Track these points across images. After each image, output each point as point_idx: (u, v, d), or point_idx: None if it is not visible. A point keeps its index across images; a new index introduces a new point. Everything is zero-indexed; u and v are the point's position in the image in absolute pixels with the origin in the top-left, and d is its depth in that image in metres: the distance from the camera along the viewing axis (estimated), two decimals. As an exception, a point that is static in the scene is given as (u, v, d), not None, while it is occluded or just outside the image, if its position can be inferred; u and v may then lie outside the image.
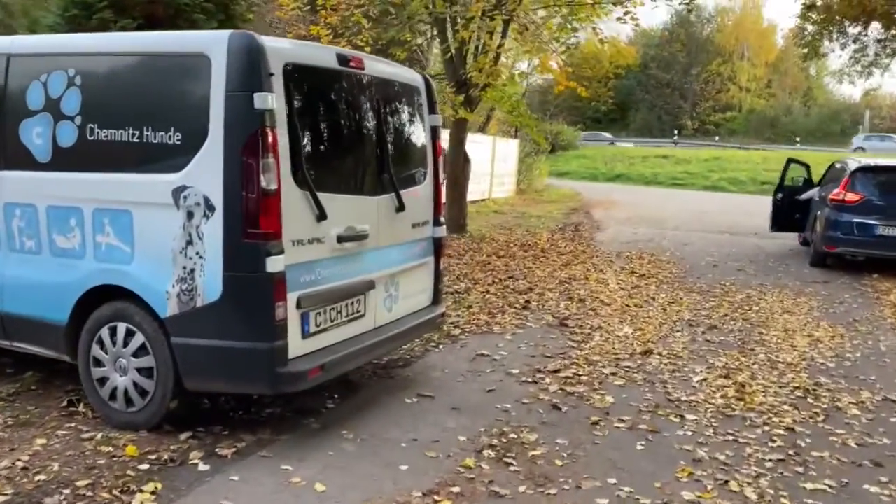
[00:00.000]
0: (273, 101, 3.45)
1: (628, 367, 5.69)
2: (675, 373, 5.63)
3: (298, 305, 3.70)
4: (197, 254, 3.57)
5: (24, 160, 3.97)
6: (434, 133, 5.01)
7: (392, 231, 4.50)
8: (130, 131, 3.70)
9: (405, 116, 4.77)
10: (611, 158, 38.88)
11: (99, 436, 3.74)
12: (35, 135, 3.93)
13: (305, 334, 3.79)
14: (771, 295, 9.05)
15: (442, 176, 5.15)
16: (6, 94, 4.02)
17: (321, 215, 3.79)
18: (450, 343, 6.09)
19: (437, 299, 5.15)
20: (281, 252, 3.53)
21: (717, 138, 48.89)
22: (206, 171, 3.51)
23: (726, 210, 21.86)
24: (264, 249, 3.46)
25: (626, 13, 10.94)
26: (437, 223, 5.08)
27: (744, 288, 9.44)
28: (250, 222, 3.46)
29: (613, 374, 5.49)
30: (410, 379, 5.09)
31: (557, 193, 26.67)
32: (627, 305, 7.94)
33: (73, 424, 3.91)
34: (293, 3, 11.71)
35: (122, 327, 3.81)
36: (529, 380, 5.22)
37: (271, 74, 3.45)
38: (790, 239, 15.01)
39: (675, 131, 48.80)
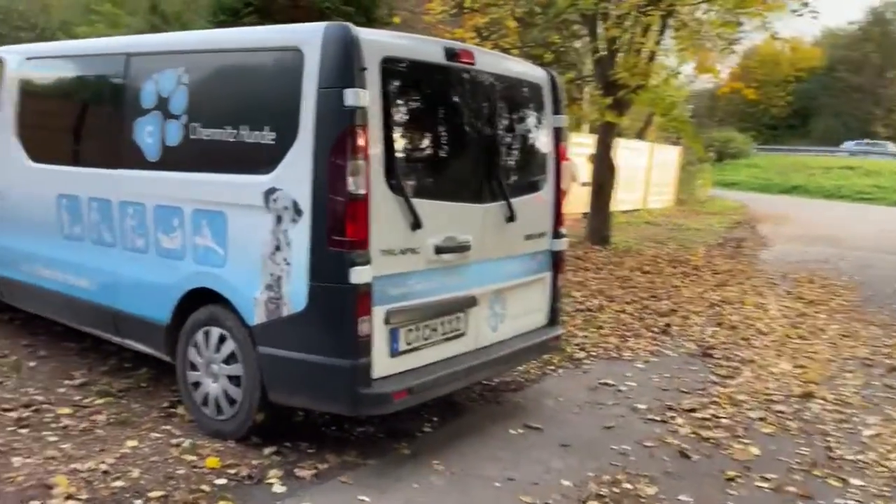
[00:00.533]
0: (365, 97, 3.17)
1: (781, 411, 4.84)
2: (840, 423, 4.71)
3: (387, 321, 3.40)
4: (284, 260, 3.37)
5: (137, 159, 4.00)
6: (558, 136, 4.53)
7: (500, 243, 4.09)
8: (228, 130, 3.59)
9: (522, 117, 4.34)
10: (786, 168, 35.64)
11: (186, 443, 3.66)
12: (147, 133, 3.95)
13: (394, 353, 3.48)
14: (976, 334, 7.55)
15: (567, 182, 4.65)
16: (125, 93, 4.09)
17: (416, 223, 3.47)
18: (571, 367, 5.54)
19: (553, 320, 4.66)
20: (367, 262, 3.24)
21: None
22: (295, 173, 3.31)
23: (924, 230, 19.09)
24: (349, 259, 3.19)
25: (802, 5, 9.70)
26: (556, 235, 4.60)
27: (940, 323, 7.96)
28: (336, 229, 3.21)
29: (762, 419, 4.69)
30: (520, 406, 4.64)
31: (721, 205, 24.79)
32: (788, 336, 6.92)
33: (167, 427, 3.87)
34: (441, 6, 11.62)
35: (215, 332, 3.72)
36: (657, 418, 4.57)
37: (364, 69, 3.18)
38: None
39: (865, 141, 43.76)
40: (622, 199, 20.85)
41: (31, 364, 4.73)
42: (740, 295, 8.75)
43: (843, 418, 4.80)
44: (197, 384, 3.84)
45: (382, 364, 3.41)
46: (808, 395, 5.22)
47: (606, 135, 11.28)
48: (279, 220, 3.38)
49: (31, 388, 4.32)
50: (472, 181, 3.91)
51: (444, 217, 3.69)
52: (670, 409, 4.76)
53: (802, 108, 50.38)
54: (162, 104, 3.88)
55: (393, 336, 3.47)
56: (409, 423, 4.14)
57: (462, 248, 3.78)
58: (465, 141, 3.90)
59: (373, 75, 3.24)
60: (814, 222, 19.72)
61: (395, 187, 3.37)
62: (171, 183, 3.86)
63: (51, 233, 4.57)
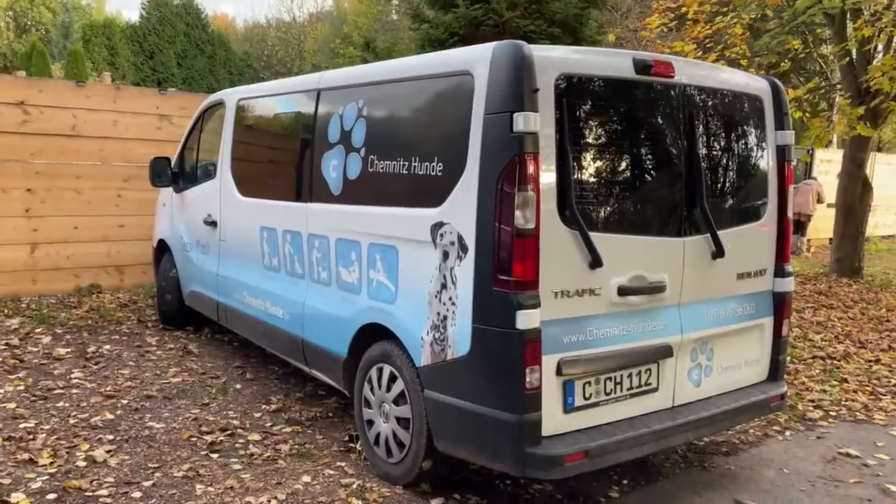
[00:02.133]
0: (537, 122, 2.84)
1: None
2: None
3: (559, 372, 3.00)
4: (450, 300, 3.14)
5: (323, 192, 4.06)
6: (782, 155, 3.81)
7: (704, 282, 3.48)
8: (401, 162, 3.47)
9: (736, 134, 3.69)
10: None
11: (355, 484, 3.56)
12: (332, 167, 3.99)
13: (568, 408, 3.07)
14: None
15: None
16: (316, 127, 4.19)
17: (596, 261, 3.04)
18: (802, 430, 4.63)
19: (775, 374, 3.89)
20: (536, 305, 2.88)
21: None
22: (461, 206, 3.07)
23: None
24: (515, 301, 2.86)
25: None
26: (780, 273, 3.85)
27: None
28: (501, 267, 2.90)
29: None
30: (731, 475, 3.92)
31: None
32: None
33: (342, 464, 3.82)
34: (659, 20, 10.91)
35: (386, 370, 3.60)
36: (918, 508, 3.59)
37: (536, 90, 2.85)
38: None
39: None
40: (881, 222, 18.03)
41: (238, 387, 5.03)
42: None
43: None
44: (371, 422, 3.74)
45: (554, 421, 3.02)
46: None
47: (857, 149, 9.67)
48: (446, 256, 3.16)
49: (231, 410, 4.57)
50: (668, 212, 3.37)
51: (632, 253, 3.21)
52: (938, 496, 3.73)
53: None
54: (344, 138, 3.89)
55: (567, 389, 3.06)
56: (593, 485, 3.67)
57: (654, 290, 3.26)
58: (660, 166, 3.38)
59: (547, 96, 2.91)
60: None
61: (571, 221, 2.98)
62: (351, 216, 3.84)
63: (255, 263, 4.84)
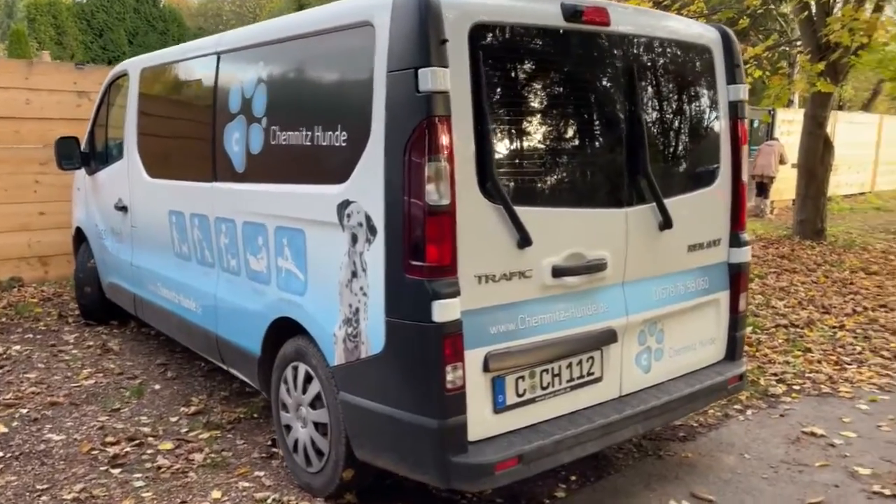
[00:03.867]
0: (446, 79, 2.41)
1: None
2: None
3: (486, 367, 2.62)
4: (361, 289, 2.73)
5: (227, 170, 3.60)
6: (735, 112, 3.43)
7: (651, 257, 3.12)
8: (304, 133, 3.02)
9: (683, 90, 3.30)
10: None
11: (270, 499, 3.17)
12: (234, 141, 3.52)
13: (499, 407, 2.69)
14: None
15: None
16: (217, 97, 3.70)
17: (523, 240, 2.64)
18: (764, 407, 4.34)
19: (733, 353, 3.56)
20: (455, 293, 2.48)
21: None
22: (368, 182, 2.64)
23: None
24: (430, 289, 2.45)
25: None
26: (736, 242, 3.51)
27: None
28: (413, 251, 2.49)
29: None
30: (689, 463, 3.60)
31: (977, 183, 20.54)
32: None
33: (261, 474, 3.42)
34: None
35: (302, 370, 3.19)
36: (886, 491, 3.31)
37: (444, 41, 2.42)
38: None
39: None
40: (843, 181, 17.99)
41: (156, 387, 4.59)
42: None
43: None
44: (289, 427, 3.34)
45: (483, 423, 2.64)
46: None
47: (818, 107, 9.40)
48: (354, 239, 2.74)
49: (144, 416, 4.13)
50: (607, 180, 2.98)
51: (567, 229, 2.82)
52: (908, 477, 3.46)
53: None
54: (245, 107, 3.43)
55: (497, 386, 2.68)
56: (537, 485, 3.33)
57: (594, 268, 2.88)
58: (596, 128, 2.98)
59: (460, 49, 2.48)
60: None
61: (494, 194, 2.57)
62: (255, 196, 3.40)
63: (167, 251, 4.37)
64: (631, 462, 3.61)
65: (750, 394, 4.49)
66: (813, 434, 3.93)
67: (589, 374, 2.97)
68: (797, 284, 7.49)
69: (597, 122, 2.96)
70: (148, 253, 4.69)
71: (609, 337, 2.98)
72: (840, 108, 24.26)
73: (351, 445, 2.92)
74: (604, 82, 2.94)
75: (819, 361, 5.12)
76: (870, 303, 6.74)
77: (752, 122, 15.29)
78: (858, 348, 5.41)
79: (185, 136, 4.29)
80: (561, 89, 2.88)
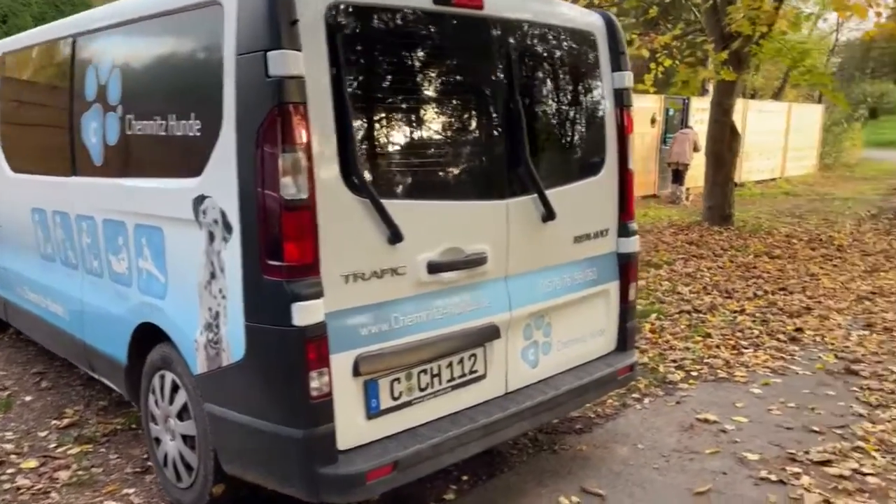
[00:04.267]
0: (299, 63, 2.23)
1: (960, 465, 3.45)
2: None
3: (357, 371, 2.47)
4: (220, 292, 2.53)
5: (86, 163, 3.32)
6: (621, 99, 3.38)
7: (535, 250, 3.03)
8: (158, 122, 2.79)
9: (565, 77, 3.22)
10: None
11: (136, 517, 2.95)
12: (92, 131, 3.25)
13: (372, 413, 2.55)
14: None
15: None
16: (73, 83, 3.40)
17: (395, 235, 2.50)
18: (662, 395, 4.36)
19: (624, 343, 3.53)
20: (318, 294, 2.32)
21: None
22: (222, 175, 2.44)
23: None
24: (290, 291, 2.28)
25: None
26: (624, 232, 3.46)
27: None
28: (269, 250, 2.31)
29: (930, 477, 3.34)
30: (583, 456, 3.56)
31: (875, 168, 21.84)
32: (967, 342, 5.29)
33: (130, 492, 3.18)
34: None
35: (168, 379, 2.96)
36: (773, 477, 3.34)
37: (295, 22, 2.23)
38: None
39: None
40: (755, 167, 18.66)
41: (27, 399, 4.24)
42: (899, 284, 7.04)
43: None
44: (158, 440, 3.11)
45: (354, 430, 2.49)
46: None
47: (724, 95, 9.63)
48: (211, 237, 2.53)
49: (10, 431, 3.80)
50: (486, 171, 2.87)
51: (443, 223, 2.69)
52: (793, 459, 3.51)
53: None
54: (101, 94, 3.16)
55: (370, 390, 2.54)
56: (426, 486, 3.20)
57: (473, 263, 2.77)
58: (473, 117, 2.85)
59: (316, 30, 2.30)
60: None
61: (360, 187, 2.41)
62: (114, 191, 3.13)
63: (33, 252, 4.03)
64: (525, 458, 3.54)
65: (649, 382, 4.51)
66: (706, 420, 3.96)
67: (472, 372, 2.86)
68: (703, 270, 7.65)
69: (472, 111, 2.84)
70: (14, 254, 4.33)
71: (492, 333, 2.88)
72: (752, 96, 25.22)
73: (219, 459, 2.72)
74: (479, 69, 2.82)
75: (718, 346, 5.20)
76: (770, 286, 6.94)
77: (667, 110, 15.67)
78: (756, 332, 5.53)
79: (45, 126, 3.95)
80: (432, 76, 2.74)
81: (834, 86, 8.75)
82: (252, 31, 2.26)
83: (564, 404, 3.18)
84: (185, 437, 2.90)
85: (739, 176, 17.83)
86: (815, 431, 3.83)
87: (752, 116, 18.19)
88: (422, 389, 2.69)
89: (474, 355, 2.86)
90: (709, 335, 5.44)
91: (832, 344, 5.27)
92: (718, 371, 4.73)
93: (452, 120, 2.79)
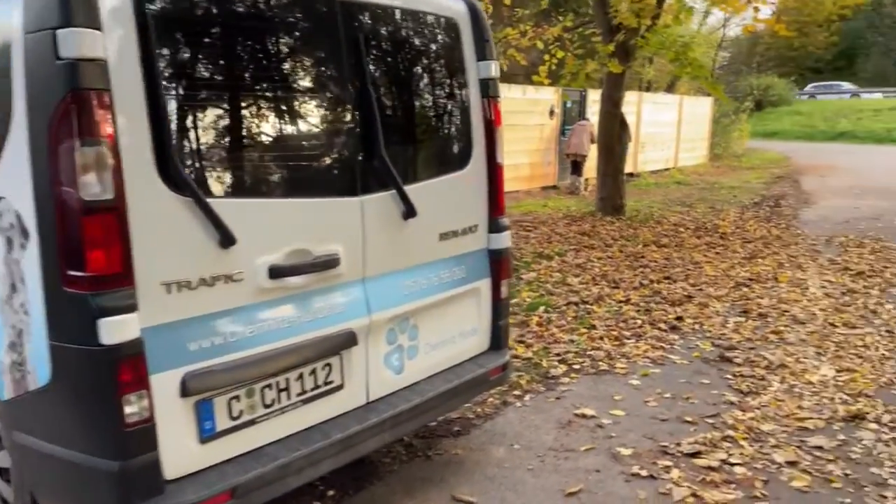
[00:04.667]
0: (97, 43, 1.95)
1: (819, 448, 3.55)
2: (905, 464, 3.40)
3: (186, 391, 2.22)
4: (22, 306, 2.21)
5: None
6: (487, 90, 3.24)
7: (396, 249, 2.85)
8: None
9: (425, 66, 3.06)
10: (832, 114, 33.23)
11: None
12: None
13: (207, 436, 2.30)
14: None
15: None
16: None
17: (226, 238, 2.25)
18: (543, 391, 4.30)
19: (497, 342, 3.41)
20: (131, 307, 2.05)
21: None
22: (15, 172, 2.12)
23: None
24: (95, 305, 2.00)
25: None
26: (494, 228, 3.33)
27: None
28: (69, 258, 2.02)
29: (792, 463, 3.40)
30: (457, 461, 3.43)
31: (760, 158, 23.02)
32: (832, 325, 5.54)
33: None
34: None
35: (-21, 404, 2.60)
36: (644, 472, 3.32)
37: (94, -5, 1.94)
38: None
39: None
40: (650, 158, 19.28)
41: None
42: (774, 269, 7.34)
43: (908, 455, 3.47)
44: (-27, 472, 2.74)
45: (186, 456, 2.24)
46: (856, 418, 3.90)
47: (613, 88, 9.79)
48: (9, 244, 2.21)
49: None
50: (335, 166, 2.66)
51: (287, 223, 2.46)
52: (665, 452, 3.50)
53: (849, 49, 47.24)
54: None
55: (202, 412, 2.29)
56: (295, 501, 2.98)
57: (323, 265, 2.55)
58: (319, 106, 2.63)
59: (119, 6, 2.01)
60: (864, 171, 17.88)
61: (180, 185, 2.15)
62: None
63: None
64: (397, 467, 3.37)
65: (531, 377, 4.44)
66: (584, 416, 3.92)
67: (326, 383, 2.65)
68: (594, 260, 7.73)
69: (318, 101, 2.62)
70: None
71: (348, 340, 2.68)
72: (647, 89, 26.08)
73: (34, 494, 2.40)
74: (324, 53, 2.60)
75: (602, 338, 5.21)
76: (656, 275, 7.07)
77: (564, 102, 15.92)
78: (639, 322, 5.59)
79: None
80: (270, 60, 2.49)
81: (712, 79, 9.01)
82: (41, 5, 1.95)
83: (432, 410, 3.03)
84: (0, 470, 2.56)
85: (635, 166, 18.43)
86: (688, 422, 3.85)
87: (646, 108, 18.78)
88: (267, 406, 2.46)
89: (329, 365, 2.65)
90: (594, 327, 5.45)
91: (710, 331, 5.39)
92: (600, 363, 4.72)
93: (295, 110, 2.55)
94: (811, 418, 3.88)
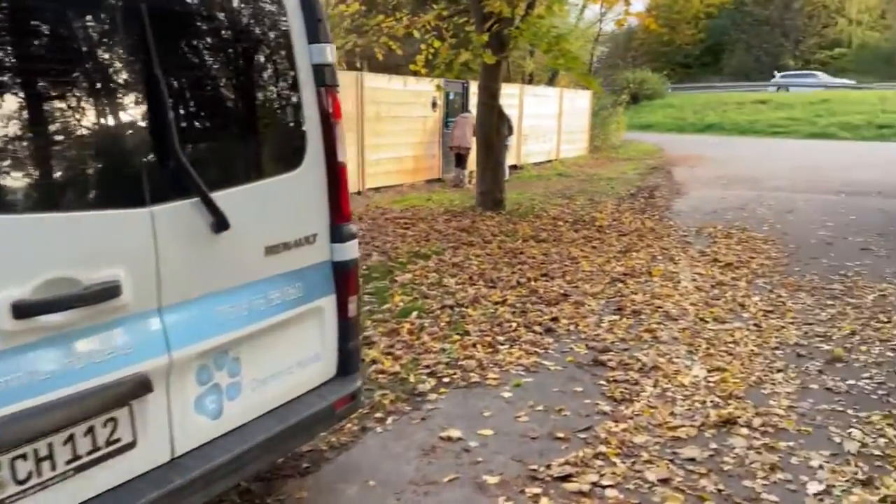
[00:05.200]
0: None
1: (691, 461, 3.37)
2: (773, 471, 3.28)
3: None
4: None
5: None
6: (322, 78, 2.78)
7: (205, 269, 2.36)
8: None
9: (238, 49, 2.56)
10: (701, 106, 35.10)
11: None
12: None
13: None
14: (919, 294, 6.37)
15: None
16: None
17: (-60, 269, 1.68)
18: (408, 411, 3.91)
19: (347, 367, 2.98)
20: None
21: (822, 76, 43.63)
22: None
23: (839, 162, 18.50)
24: None
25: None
26: (338, 236, 2.88)
27: (875, 280, 6.78)
28: None
29: (665, 480, 3.20)
30: (300, 507, 2.98)
31: (636, 150, 23.84)
32: (703, 320, 5.51)
33: None
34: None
35: None
36: (510, 501, 3.00)
37: None
38: (929, 200, 11.95)
39: (774, 73, 43.87)
40: (533, 150, 19.44)
41: None
42: (648, 263, 7.34)
43: (777, 462, 3.36)
44: None
45: None
46: (727, 423, 3.78)
47: (489, 79, 9.55)
48: None
49: None
50: (110, 168, 2.13)
51: (38, 244, 1.91)
52: (534, 478, 3.21)
53: (715, 45, 50.17)
54: None
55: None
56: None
57: (96, 297, 2.02)
58: (82, 95, 2.08)
59: None
60: (730, 162, 18.83)
61: None
62: None
63: None
64: (228, 518, 2.89)
65: (396, 396, 4.05)
66: (450, 439, 3.57)
67: (111, 442, 2.12)
68: (472, 258, 7.45)
69: (83, 89, 2.06)
70: None
71: (138, 386, 2.15)
72: (530, 81, 26.38)
73: None
74: (91, 29, 2.05)
75: (474, 345, 4.90)
76: (533, 273, 6.88)
77: (447, 94, 15.67)
78: (514, 325, 5.33)
79: None
80: (13, 39, 1.92)
81: (587, 72, 8.95)
82: None
83: (261, 458, 2.55)
84: None
85: (519, 159, 18.51)
86: (560, 438, 3.59)
87: (528, 101, 18.91)
88: (20, 482, 1.91)
89: (114, 420, 2.12)
90: (467, 332, 5.13)
91: (584, 332, 5.21)
92: (472, 374, 4.40)
93: (53, 101, 1.99)
94: (683, 426, 3.72)
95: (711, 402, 4.03)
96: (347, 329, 2.96)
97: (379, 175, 13.71)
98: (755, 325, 5.42)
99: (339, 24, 8.97)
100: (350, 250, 2.93)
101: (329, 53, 2.79)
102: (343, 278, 2.91)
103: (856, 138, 26.47)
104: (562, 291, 6.23)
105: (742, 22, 49.17)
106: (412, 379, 4.28)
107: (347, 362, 2.97)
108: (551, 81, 26.42)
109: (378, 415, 3.82)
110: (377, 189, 13.38)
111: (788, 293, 6.31)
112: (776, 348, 4.93)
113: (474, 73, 12.76)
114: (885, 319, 5.56)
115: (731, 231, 9.17)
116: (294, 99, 2.69)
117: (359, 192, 12.98)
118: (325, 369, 2.91)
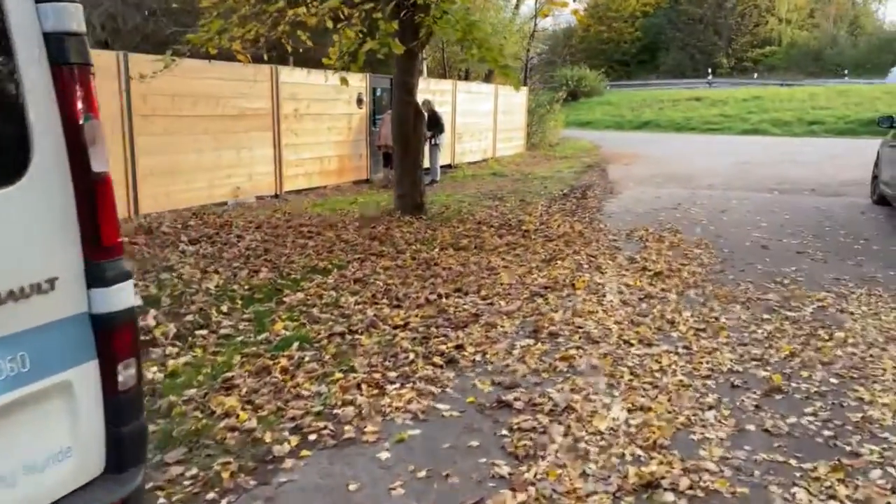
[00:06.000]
0: None
1: (604, 548, 2.64)
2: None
3: None
4: None
5: None
6: (62, 53, 1.93)
7: None
8: None
9: None
10: (638, 104, 35.13)
11: None
12: None
13: None
14: (856, 301, 5.87)
15: (100, 163, 2.09)
16: None
17: None
18: (252, 487, 3.07)
19: (120, 461, 2.13)
20: None
21: (755, 76, 44.51)
22: None
23: (771, 158, 18.44)
24: None
25: None
26: (99, 279, 2.03)
27: (813, 288, 6.28)
28: None
29: (566, 581, 2.45)
30: None
31: (573, 147, 23.39)
32: (628, 343, 4.84)
33: None
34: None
35: None
36: None
37: None
38: (861, 196, 11.74)
39: (710, 71, 44.47)
40: (468, 149, 18.73)
41: None
42: (572, 273, 6.66)
43: (708, 543, 2.66)
44: None
45: None
46: (649, 486, 3.07)
47: (405, 73, 8.75)
48: None
49: None
50: None
51: None
52: (397, 587, 2.42)
53: (651, 43, 50.63)
54: None
55: None
56: None
57: None
58: None
59: None
60: (664, 159, 18.53)
61: None
62: None
63: None
64: None
65: (240, 465, 3.20)
66: (296, 529, 2.76)
67: None
68: (380, 272, 6.64)
69: None
70: None
71: None
72: (466, 77, 25.70)
73: None
74: None
75: (358, 385, 4.08)
76: (446, 287, 6.11)
77: (374, 90, 14.82)
78: (411, 356, 4.54)
79: None
80: None
81: (502, 62, 8.25)
82: None
83: None
84: None
85: (453, 158, 17.79)
86: (441, 519, 2.82)
87: (461, 98, 18.20)
88: None
89: None
90: (353, 369, 4.32)
91: (492, 363, 4.47)
92: (345, 428, 3.59)
93: None
94: (596, 493, 3.00)
95: (631, 455, 3.33)
96: (119, 408, 2.12)
97: (299, 177, 12.79)
98: (685, 347, 4.78)
99: (237, 9, 8.02)
100: (120, 296, 2.09)
101: (72, 16, 1.94)
102: (108, 337, 2.07)
103: (787, 134, 26.72)
104: (474, 311, 5.48)
105: (677, 20, 49.76)
106: (268, 438, 3.44)
107: (122, 454, 2.14)
108: (488, 78, 25.81)
109: (210, 495, 2.97)
110: (298, 192, 12.46)
111: (722, 306, 5.71)
112: (707, 377, 4.29)
113: (390, 68, 11.95)
114: (826, 337, 5.00)
115: (662, 234, 8.61)
116: (14, 86, 1.83)
117: (276, 196, 12.04)
118: (84, 467, 2.06)
